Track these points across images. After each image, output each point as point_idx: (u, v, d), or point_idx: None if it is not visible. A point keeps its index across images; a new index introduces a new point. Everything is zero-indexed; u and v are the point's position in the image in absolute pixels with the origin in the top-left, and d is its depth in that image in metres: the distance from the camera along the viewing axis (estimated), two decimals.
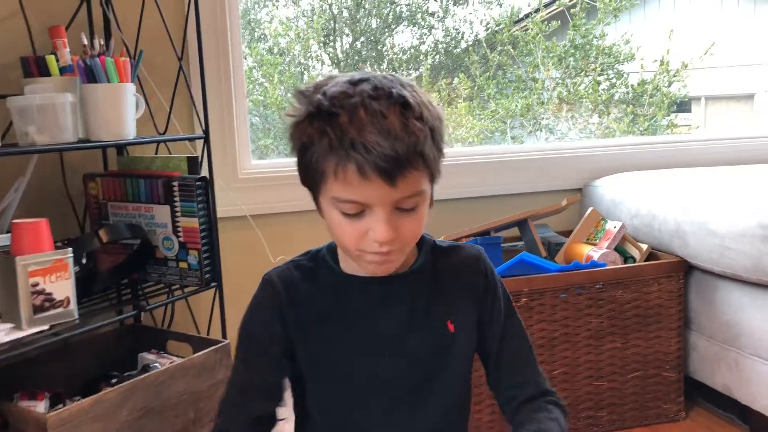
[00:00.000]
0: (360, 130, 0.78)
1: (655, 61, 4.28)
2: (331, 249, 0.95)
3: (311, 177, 0.85)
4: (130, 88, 1.41)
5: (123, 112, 1.39)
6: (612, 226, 1.75)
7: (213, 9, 1.74)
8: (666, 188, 1.78)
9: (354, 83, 0.81)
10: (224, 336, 1.57)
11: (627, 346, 1.66)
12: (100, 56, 1.37)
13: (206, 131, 1.52)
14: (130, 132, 1.41)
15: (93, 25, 1.60)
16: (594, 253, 1.68)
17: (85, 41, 1.40)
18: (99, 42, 1.41)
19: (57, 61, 1.41)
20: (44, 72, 1.40)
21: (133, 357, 1.61)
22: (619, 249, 1.74)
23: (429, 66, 4.43)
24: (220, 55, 1.76)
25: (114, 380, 1.51)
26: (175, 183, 1.47)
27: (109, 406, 1.27)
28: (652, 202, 1.77)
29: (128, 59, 1.40)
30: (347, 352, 0.91)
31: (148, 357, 1.58)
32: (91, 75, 1.35)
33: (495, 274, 0.98)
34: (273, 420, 0.93)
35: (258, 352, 0.93)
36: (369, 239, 0.82)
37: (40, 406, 1.33)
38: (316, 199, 0.88)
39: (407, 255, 0.91)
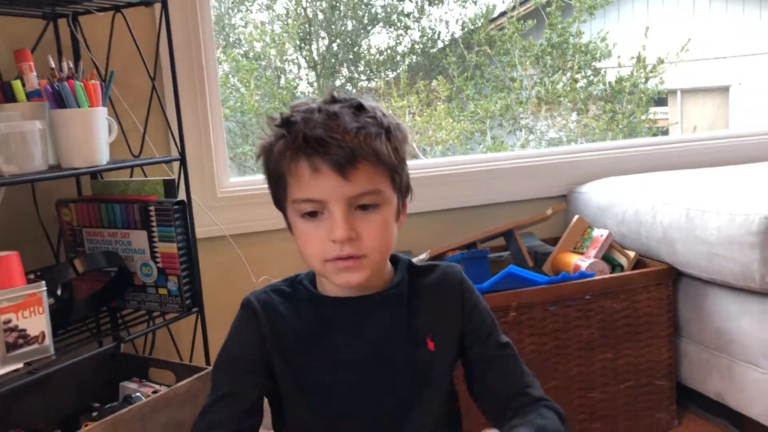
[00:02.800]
0: (312, 128, 0.82)
1: (632, 58, 4.29)
2: (309, 275, 0.96)
3: (275, 186, 0.88)
4: (102, 111, 1.36)
5: (95, 137, 1.34)
6: (599, 234, 1.73)
7: (185, 24, 1.69)
8: (652, 193, 1.76)
9: (321, 100, 0.87)
10: (207, 362, 1.53)
11: (618, 356, 1.64)
12: (68, 80, 1.31)
13: (182, 153, 1.48)
14: (103, 157, 1.36)
15: (61, 47, 1.54)
16: (582, 262, 1.66)
17: (53, 64, 1.35)
18: (68, 64, 1.36)
19: (23, 86, 1.36)
20: (10, 98, 1.34)
21: (114, 386, 1.56)
22: (607, 257, 1.72)
23: (406, 67, 4.40)
24: (195, 71, 1.71)
25: (95, 413, 1.46)
26: (152, 207, 1.42)
27: None
28: (638, 207, 1.76)
29: (99, 82, 1.35)
30: (326, 373, 0.91)
31: (130, 386, 1.53)
32: (60, 100, 1.30)
33: (474, 290, 0.98)
34: None
35: (239, 372, 0.92)
36: (328, 245, 0.84)
37: None
38: (286, 217, 0.91)
39: (383, 275, 0.92)
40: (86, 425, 1.34)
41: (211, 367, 1.44)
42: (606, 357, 1.63)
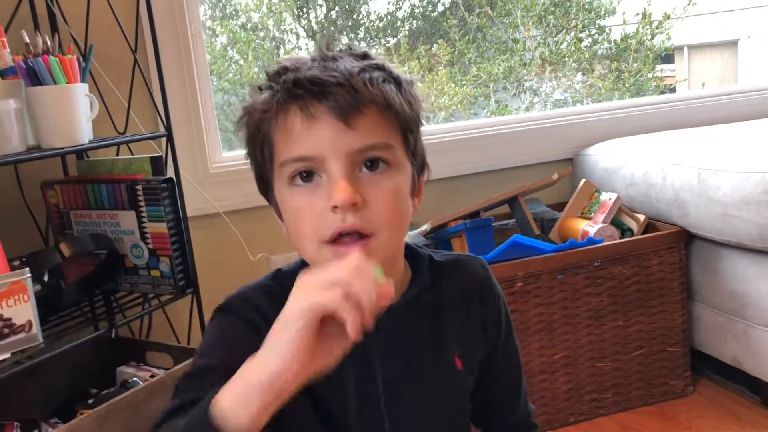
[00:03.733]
0: (306, 71, 0.66)
1: (637, 14, 4.16)
2: (297, 270, 0.73)
3: (259, 155, 0.71)
4: (81, 88, 1.29)
5: (75, 114, 1.27)
6: (607, 198, 1.66)
7: None
8: (661, 154, 1.69)
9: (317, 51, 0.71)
10: None
11: (629, 324, 1.58)
12: (43, 55, 1.25)
13: (168, 128, 1.41)
14: (84, 136, 1.30)
15: (38, 21, 1.47)
16: (590, 228, 1.60)
17: (27, 39, 1.28)
18: (44, 39, 1.29)
19: None
20: None
21: (111, 370, 1.52)
22: (616, 221, 1.66)
23: (407, 33, 4.30)
24: (180, 41, 1.64)
25: (91, 400, 1.42)
26: (139, 186, 1.37)
27: None
28: (647, 169, 1.68)
29: (75, 56, 1.29)
30: (340, 404, 0.74)
31: (127, 371, 1.50)
32: (34, 77, 1.23)
33: (501, 295, 0.84)
34: None
35: (221, 381, 0.61)
36: (326, 217, 0.66)
37: None
38: (274, 200, 0.74)
39: (397, 272, 0.75)
40: (81, 413, 1.30)
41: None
42: (617, 325, 1.57)
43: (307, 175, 0.67)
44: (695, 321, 1.65)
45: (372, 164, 0.67)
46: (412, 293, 0.76)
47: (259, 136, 0.70)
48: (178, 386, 0.71)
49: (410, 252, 0.80)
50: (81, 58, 1.33)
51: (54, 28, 1.47)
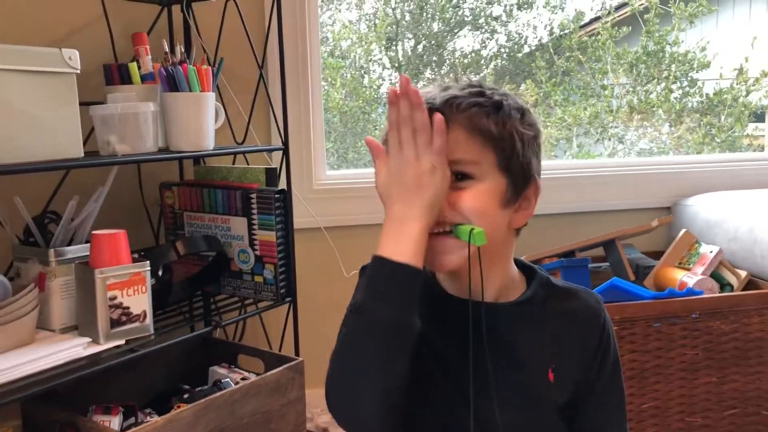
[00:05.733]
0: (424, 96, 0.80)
1: (734, 69, 4.09)
2: None
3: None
4: (211, 97, 1.37)
5: (203, 121, 1.35)
6: (708, 250, 1.63)
7: (293, 17, 1.70)
8: None
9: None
10: (297, 353, 1.52)
11: (724, 381, 1.54)
12: (182, 64, 1.33)
13: (285, 142, 1.48)
14: (209, 142, 1.37)
15: (173, 32, 1.57)
16: (689, 279, 1.57)
17: (167, 48, 1.37)
18: (180, 49, 1.38)
19: (139, 68, 1.38)
20: (126, 80, 1.37)
21: (203, 370, 1.57)
22: (715, 275, 1.63)
23: (492, 71, 4.34)
24: (300, 63, 1.72)
25: (186, 395, 1.47)
26: (254, 195, 1.43)
27: (183, 425, 1.23)
28: (753, 224, 1.65)
29: (209, 67, 1.37)
30: (441, 382, 0.84)
31: (219, 371, 1.54)
32: (173, 83, 1.32)
33: (612, 332, 0.88)
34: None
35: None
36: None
37: (114, 421, 1.30)
38: None
39: (505, 280, 0.85)
40: (178, 406, 1.35)
41: (301, 359, 1.43)
42: (710, 381, 1.54)
43: None
44: None
45: (460, 177, 0.80)
46: (522, 299, 0.85)
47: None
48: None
49: (529, 269, 0.90)
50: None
51: (188, 40, 1.56)
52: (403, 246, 0.75)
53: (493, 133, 0.79)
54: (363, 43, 4.40)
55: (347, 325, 0.77)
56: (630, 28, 4.16)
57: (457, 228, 0.79)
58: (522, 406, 0.84)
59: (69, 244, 1.26)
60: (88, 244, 1.22)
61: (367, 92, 4.19)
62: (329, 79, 4.19)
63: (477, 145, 0.79)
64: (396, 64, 4.47)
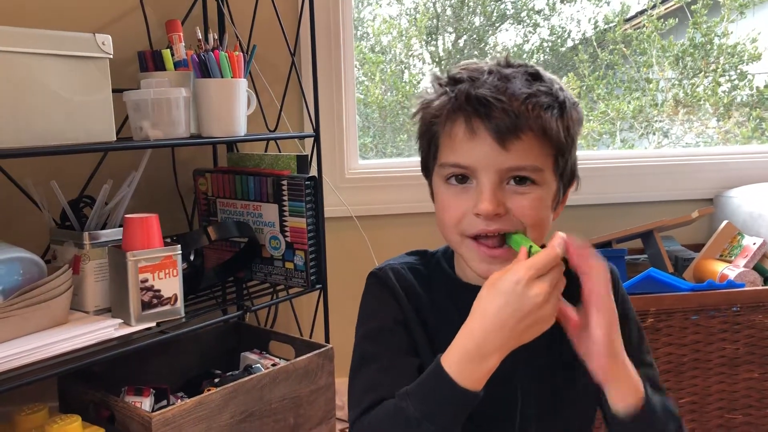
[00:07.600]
0: (478, 87, 0.74)
1: None
2: (447, 253, 0.88)
3: (425, 147, 0.81)
4: (243, 83, 1.38)
5: (235, 107, 1.36)
6: (751, 242, 1.58)
7: (326, 5, 1.70)
8: None
9: (494, 62, 0.79)
10: (327, 340, 1.53)
11: (766, 377, 1.49)
12: (214, 51, 1.34)
13: (317, 130, 1.48)
14: (241, 129, 1.38)
15: (207, 20, 1.58)
16: (730, 271, 1.52)
17: (200, 35, 1.38)
18: (213, 36, 1.39)
19: (172, 55, 1.40)
20: (159, 66, 1.39)
21: (234, 355, 1.59)
22: (758, 268, 1.57)
23: (534, 64, 4.28)
24: (332, 52, 1.72)
25: (217, 379, 1.49)
26: (285, 182, 1.43)
27: (213, 408, 1.25)
28: None
29: (241, 54, 1.37)
30: None
31: (251, 357, 1.55)
32: (205, 69, 1.33)
33: (628, 299, 0.88)
34: None
35: (399, 349, 0.81)
36: (470, 217, 0.76)
37: (146, 403, 1.32)
38: (431, 185, 0.84)
39: None
40: (209, 390, 1.37)
41: (330, 345, 1.43)
42: (752, 376, 1.48)
43: (462, 178, 0.77)
44: None
45: (519, 180, 0.76)
46: None
47: (428, 134, 0.81)
48: (365, 340, 0.83)
49: None
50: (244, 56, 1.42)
51: (221, 28, 1.58)
52: (481, 379, 0.71)
53: (561, 140, 0.76)
54: (403, 37, 4.39)
55: (401, 418, 0.73)
56: (677, 19, 4.05)
57: (511, 238, 0.75)
58: (556, 391, 0.84)
59: (103, 228, 1.28)
60: (121, 228, 1.25)
61: (407, 87, 4.18)
62: (369, 74, 4.20)
63: (544, 151, 0.76)
64: (436, 59, 4.45)
